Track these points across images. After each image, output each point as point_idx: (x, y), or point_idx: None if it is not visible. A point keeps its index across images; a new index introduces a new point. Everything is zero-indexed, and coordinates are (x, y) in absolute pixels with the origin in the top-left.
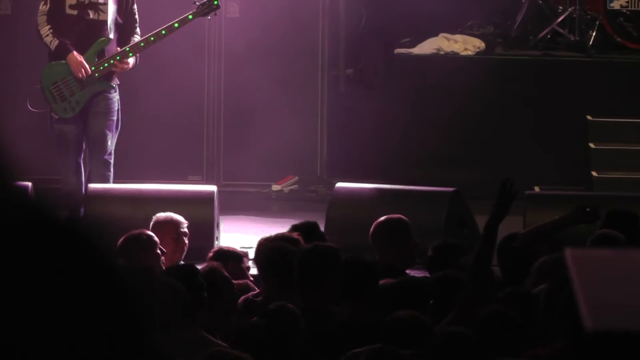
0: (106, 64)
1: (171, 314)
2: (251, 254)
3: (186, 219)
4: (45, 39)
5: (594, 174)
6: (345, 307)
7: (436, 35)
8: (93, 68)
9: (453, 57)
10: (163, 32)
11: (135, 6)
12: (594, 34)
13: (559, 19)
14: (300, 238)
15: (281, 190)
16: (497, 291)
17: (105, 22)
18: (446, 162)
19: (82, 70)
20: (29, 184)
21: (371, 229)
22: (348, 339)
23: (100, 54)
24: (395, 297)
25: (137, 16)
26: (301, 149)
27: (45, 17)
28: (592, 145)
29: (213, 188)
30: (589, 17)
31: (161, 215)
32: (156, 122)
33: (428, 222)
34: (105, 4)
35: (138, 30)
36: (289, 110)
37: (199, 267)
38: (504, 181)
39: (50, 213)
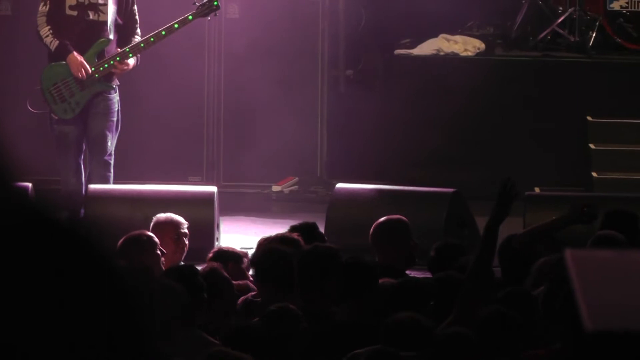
0: (106, 65)
1: (171, 315)
2: (251, 255)
3: (186, 220)
4: (45, 40)
5: (594, 174)
6: (344, 307)
7: (436, 36)
8: (93, 69)
9: (453, 57)
10: (163, 32)
11: (135, 7)
12: (594, 34)
13: (559, 20)
14: (300, 239)
15: (281, 191)
16: (497, 292)
17: (105, 22)
18: (446, 163)
19: (82, 70)
20: (29, 184)
21: (371, 229)
22: (347, 340)
23: (100, 54)
24: (396, 297)
25: (137, 17)
26: (301, 150)
27: (45, 18)
28: (592, 146)
29: (213, 189)
30: (589, 17)
31: (161, 216)
32: (156, 122)
33: (428, 222)
34: (105, 4)
35: (138, 31)
36: (289, 111)
37: (199, 267)
38: (504, 182)
39: (50, 214)
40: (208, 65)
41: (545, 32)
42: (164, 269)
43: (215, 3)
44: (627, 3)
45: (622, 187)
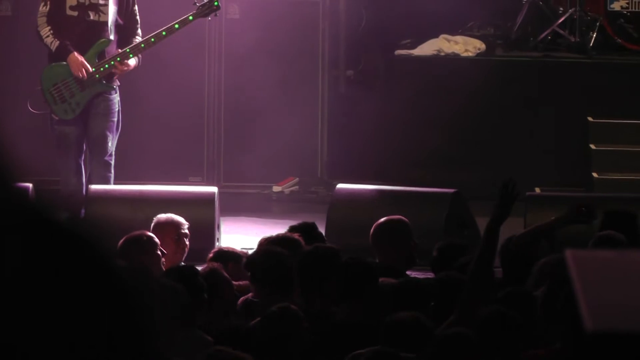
0: (107, 65)
1: (171, 315)
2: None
3: (187, 220)
4: (45, 40)
5: (595, 175)
6: (344, 307)
7: (436, 36)
8: (93, 69)
9: (453, 58)
10: (163, 33)
11: (136, 7)
12: (594, 35)
13: (560, 20)
14: (301, 239)
15: (282, 192)
16: (498, 292)
17: (106, 23)
18: (447, 163)
19: (83, 70)
20: (30, 185)
21: (371, 230)
22: (348, 340)
23: (101, 55)
24: (397, 298)
25: (138, 17)
26: (301, 150)
27: (45, 19)
28: (592, 146)
29: (214, 189)
30: (589, 18)
31: (162, 216)
32: (157, 123)
33: (428, 223)
34: (106, 5)
35: (139, 31)
36: (290, 111)
37: (199, 268)
38: (505, 182)
39: (50, 214)
40: (208, 65)
41: (545, 33)
42: (164, 269)
43: (216, 3)
44: (627, 3)
45: (623, 187)
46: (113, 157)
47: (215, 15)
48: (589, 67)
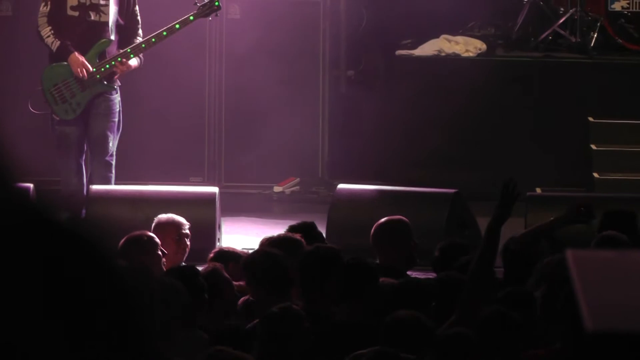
0: (107, 66)
1: (171, 315)
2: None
3: (188, 221)
4: (46, 40)
5: (596, 175)
6: (344, 307)
7: (437, 36)
8: (94, 69)
9: (454, 58)
10: (164, 33)
11: (137, 7)
12: (595, 35)
13: (560, 21)
14: (302, 239)
15: (282, 192)
16: (498, 292)
17: (107, 23)
18: (447, 163)
19: (83, 70)
20: (31, 185)
21: (372, 230)
22: (348, 340)
23: (102, 55)
24: (398, 298)
25: (139, 18)
26: (302, 150)
27: (45, 19)
28: (593, 146)
29: (214, 189)
30: (590, 18)
31: (163, 216)
32: (157, 123)
33: (429, 223)
34: (107, 5)
35: (140, 32)
36: (290, 111)
37: (200, 268)
38: (506, 182)
39: (51, 214)
40: (209, 65)
41: (546, 33)
42: (165, 269)
43: (217, 3)
44: (628, 4)
45: (624, 187)
46: (114, 157)
47: (216, 15)
48: (590, 68)
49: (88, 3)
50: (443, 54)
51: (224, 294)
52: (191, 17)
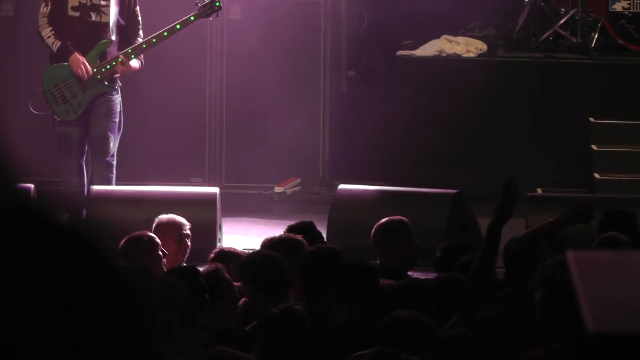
0: (108, 66)
1: (171, 315)
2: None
3: (188, 221)
4: (47, 41)
5: (596, 175)
6: (344, 308)
7: (438, 37)
8: (95, 70)
9: (455, 59)
10: (165, 33)
11: (137, 8)
12: (596, 36)
13: (561, 21)
14: (303, 240)
15: (283, 192)
16: (499, 292)
17: (107, 24)
18: (448, 164)
19: (84, 70)
20: (32, 186)
21: (372, 230)
22: (348, 340)
23: (102, 55)
24: (398, 299)
25: (140, 18)
26: (303, 151)
27: (46, 19)
28: (594, 147)
29: (215, 190)
30: (591, 19)
31: (163, 217)
32: (158, 123)
33: (430, 224)
34: (108, 6)
35: (141, 32)
36: (291, 111)
37: (201, 268)
38: (506, 182)
39: (52, 215)
40: (210, 66)
41: (547, 34)
42: (165, 270)
43: (217, 4)
44: (629, 4)
45: (624, 188)
46: (115, 158)
47: (217, 15)
48: (591, 68)
49: (89, 4)
50: (444, 55)
51: (225, 295)
52: (192, 18)
